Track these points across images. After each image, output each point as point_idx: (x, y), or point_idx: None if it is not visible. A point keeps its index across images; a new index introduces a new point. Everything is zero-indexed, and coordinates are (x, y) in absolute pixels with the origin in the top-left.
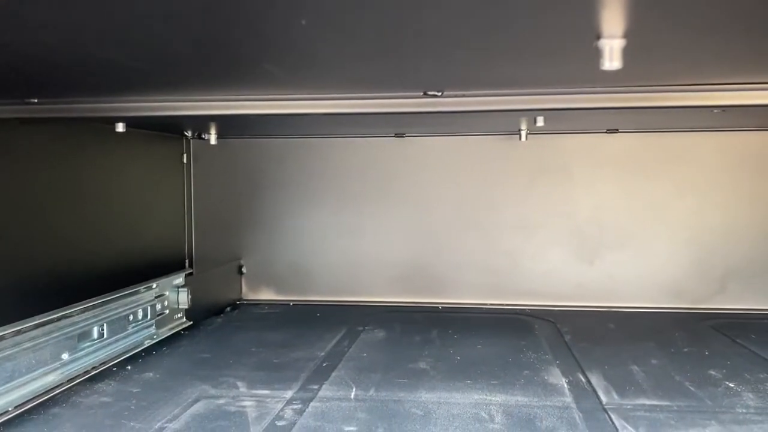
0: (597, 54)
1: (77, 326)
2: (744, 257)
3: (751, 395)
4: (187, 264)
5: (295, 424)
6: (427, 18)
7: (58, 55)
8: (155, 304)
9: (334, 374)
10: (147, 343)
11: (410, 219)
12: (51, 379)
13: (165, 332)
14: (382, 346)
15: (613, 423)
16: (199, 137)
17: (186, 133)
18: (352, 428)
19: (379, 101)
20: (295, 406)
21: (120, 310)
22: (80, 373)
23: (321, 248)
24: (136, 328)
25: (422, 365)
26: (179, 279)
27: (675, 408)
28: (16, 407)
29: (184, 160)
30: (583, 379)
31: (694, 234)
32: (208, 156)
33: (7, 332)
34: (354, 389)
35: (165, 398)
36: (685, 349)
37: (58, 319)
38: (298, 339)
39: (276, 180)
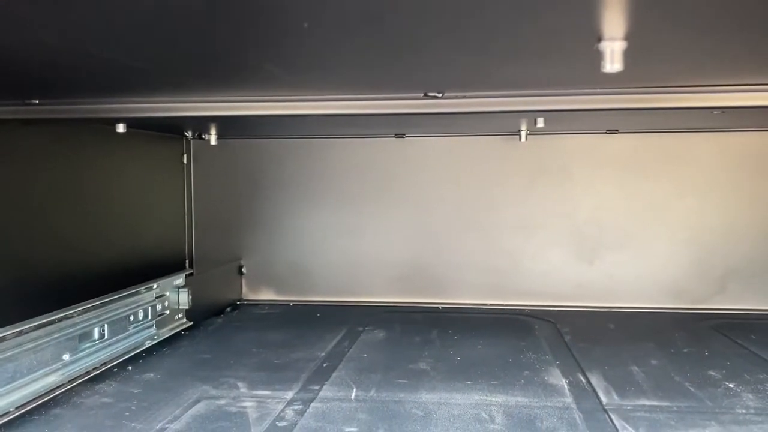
0: (598, 56)
1: (78, 327)
2: (744, 257)
3: (750, 396)
4: (187, 264)
5: (296, 424)
6: (428, 20)
7: (58, 55)
8: (156, 305)
9: (334, 375)
10: (147, 344)
11: (410, 219)
12: (52, 379)
13: (165, 333)
14: (382, 347)
15: (613, 423)
16: (200, 138)
17: (186, 134)
18: (352, 429)
19: (380, 102)
20: (295, 407)
21: (121, 310)
22: (81, 373)
23: (321, 248)
24: (136, 329)
25: (422, 366)
26: (179, 279)
27: (675, 408)
28: (17, 408)
29: (185, 161)
30: (583, 380)
31: (694, 234)
32: (209, 156)
33: (8, 333)
34: (354, 390)
35: (166, 399)
36: (685, 350)
37: (59, 319)
38: (298, 339)
39: (276, 180)
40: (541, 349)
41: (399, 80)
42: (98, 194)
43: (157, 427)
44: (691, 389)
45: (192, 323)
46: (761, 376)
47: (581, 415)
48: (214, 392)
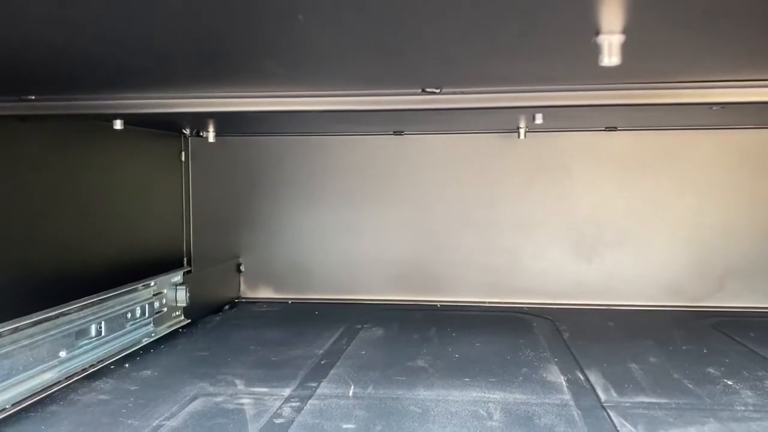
0: (596, 50)
1: (75, 324)
2: (743, 255)
3: (749, 393)
4: (185, 262)
5: (293, 421)
6: (426, 15)
7: (55, 51)
8: (153, 302)
9: (332, 372)
10: (145, 341)
11: (409, 217)
12: (49, 376)
13: (163, 330)
14: (380, 344)
15: (611, 421)
16: (198, 135)
17: (184, 131)
18: (350, 426)
19: (378, 98)
20: (293, 404)
21: (118, 307)
22: (78, 370)
23: (320, 246)
24: (134, 326)
25: (421, 363)
26: (177, 277)
27: (673, 405)
28: (13, 405)
29: (183, 158)
30: (581, 377)
31: (693, 232)
32: (207, 154)
33: (4, 330)
34: (352, 387)
35: (163, 396)
36: (684, 347)
37: (56, 316)
38: (296, 337)
39: (274, 178)
40: (540, 347)
41: (397, 76)
42: (96, 192)
43: (154, 424)
44: (690, 386)
45: (190, 321)
46: (760, 374)
47: (579, 412)
48: (211, 389)
